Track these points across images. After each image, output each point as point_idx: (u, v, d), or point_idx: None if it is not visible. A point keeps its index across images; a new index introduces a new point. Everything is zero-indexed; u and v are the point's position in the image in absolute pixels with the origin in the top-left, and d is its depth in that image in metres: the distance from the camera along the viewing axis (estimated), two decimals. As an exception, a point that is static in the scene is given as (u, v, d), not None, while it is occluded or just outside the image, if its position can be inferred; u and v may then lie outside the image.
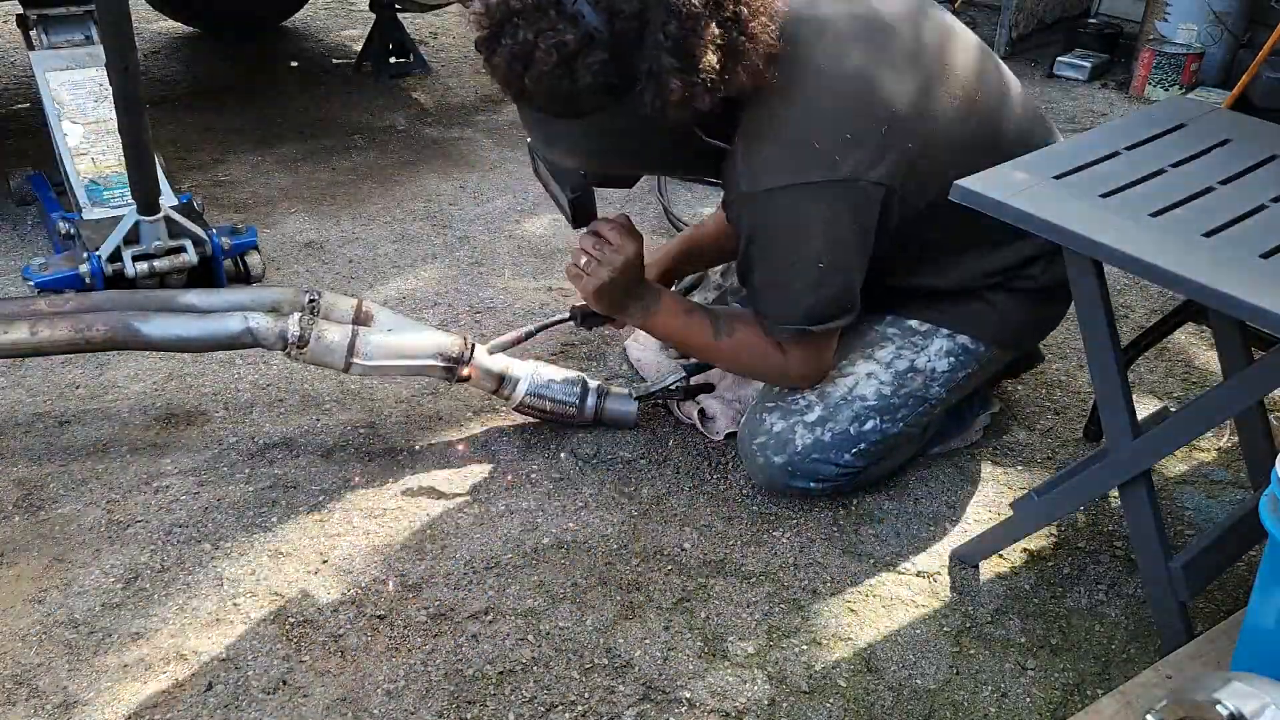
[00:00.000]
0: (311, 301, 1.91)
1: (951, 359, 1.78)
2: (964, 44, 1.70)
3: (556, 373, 1.98)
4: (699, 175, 1.70)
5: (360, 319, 1.93)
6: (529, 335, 1.95)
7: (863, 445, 1.76)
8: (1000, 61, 1.78)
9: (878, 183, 1.55)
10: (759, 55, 1.47)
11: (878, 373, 1.76)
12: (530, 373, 1.95)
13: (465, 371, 1.89)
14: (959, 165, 1.54)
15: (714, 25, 1.41)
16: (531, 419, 2.00)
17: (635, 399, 1.99)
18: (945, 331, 1.78)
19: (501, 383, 1.94)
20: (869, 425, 1.76)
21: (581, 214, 1.73)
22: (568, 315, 1.94)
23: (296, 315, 1.82)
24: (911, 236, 1.66)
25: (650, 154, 1.62)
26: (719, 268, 2.20)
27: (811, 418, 1.76)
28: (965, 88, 1.65)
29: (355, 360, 1.83)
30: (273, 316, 1.84)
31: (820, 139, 1.52)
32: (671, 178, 1.72)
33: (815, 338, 1.68)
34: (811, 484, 1.78)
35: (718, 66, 1.42)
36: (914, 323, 1.79)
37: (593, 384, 1.99)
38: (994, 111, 1.69)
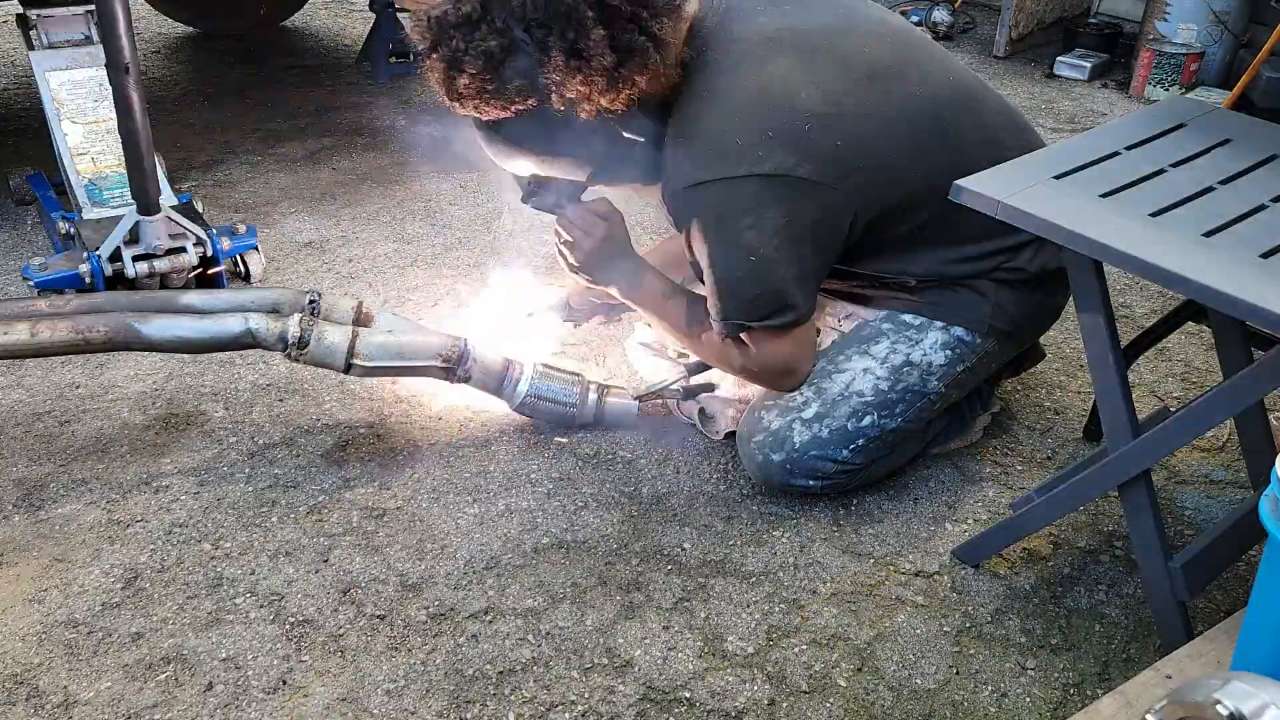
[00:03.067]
0: (312, 303, 1.91)
1: (948, 351, 1.78)
2: (915, 50, 1.76)
3: (557, 373, 1.98)
4: (639, 181, 1.78)
5: (360, 320, 1.93)
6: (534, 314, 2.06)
7: (861, 441, 1.77)
8: (964, 69, 1.82)
9: (807, 179, 1.59)
10: (662, 57, 1.58)
11: (874, 368, 1.77)
12: (530, 373, 1.95)
13: (465, 372, 1.89)
14: (914, 165, 1.63)
15: (604, 29, 1.53)
16: (531, 419, 2.00)
17: (635, 399, 1.99)
18: (940, 324, 1.78)
19: (501, 384, 1.94)
20: (866, 421, 1.76)
21: (544, 196, 1.83)
22: (556, 303, 2.07)
23: (297, 316, 1.82)
24: (885, 231, 1.70)
25: (582, 156, 1.71)
26: None
27: (809, 414, 1.77)
28: (912, 91, 1.69)
29: (355, 361, 1.83)
30: (273, 318, 1.84)
31: (742, 136, 1.59)
32: (617, 185, 1.78)
33: (762, 335, 1.71)
34: (811, 481, 1.79)
35: (611, 66, 1.54)
36: (908, 316, 1.79)
37: (593, 384, 1.99)
38: (952, 116, 1.71)
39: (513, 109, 1.60)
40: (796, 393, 1.79)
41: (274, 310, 1.90)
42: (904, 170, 1.66)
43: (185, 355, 2.18)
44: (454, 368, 1.89)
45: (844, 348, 1.80)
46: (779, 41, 1.64)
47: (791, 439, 1.76)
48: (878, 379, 1.77)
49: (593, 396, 1.97)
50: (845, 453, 1.77)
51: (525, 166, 1.74)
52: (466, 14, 1.55)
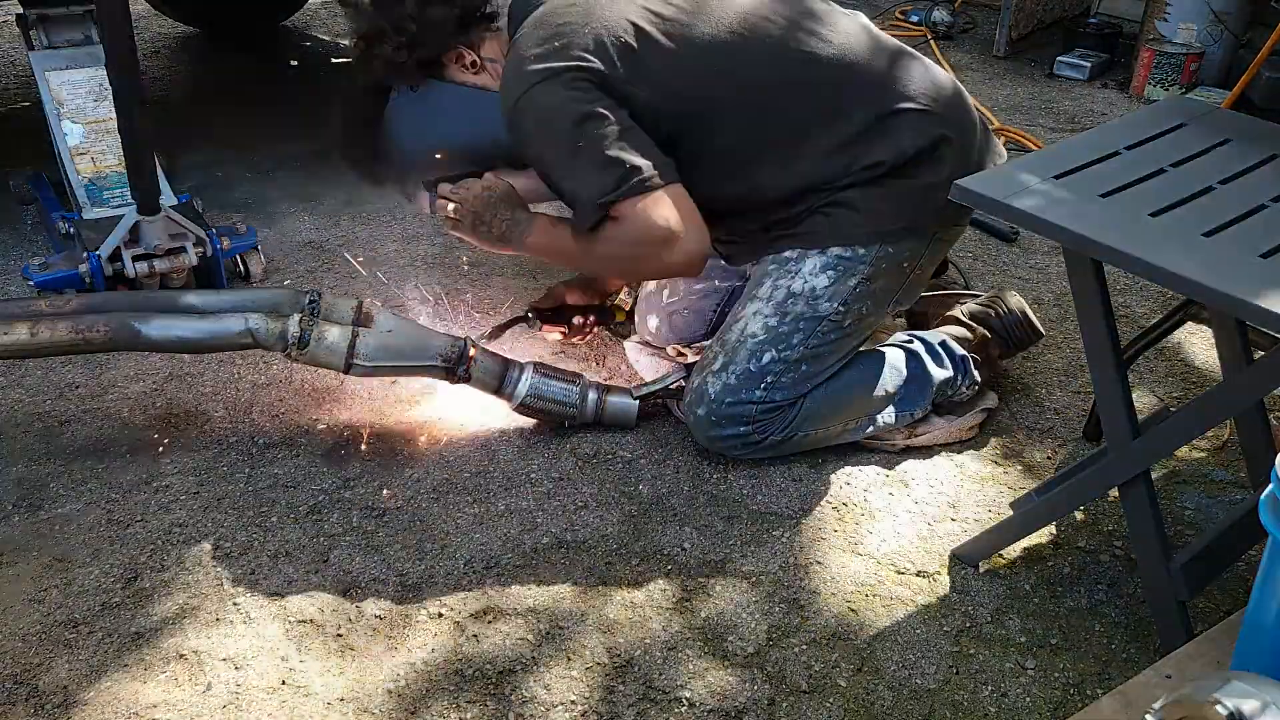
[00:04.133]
0: (311, 303, 1.91)
1: (830, 273, 1.83)
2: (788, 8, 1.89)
3: (556, 373, 1.98)
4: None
5: (360, 320, 1.93)
6: (501, 330, 2.11)
7: (769, 379, 1.83)
8: (856, 33, 1.92)
9: (590, 68, 1.75)
10: (496, 27, 1.93)
11: (761, 309, 1.85)
12: (530, 373, 1.95)
13: (465, 372, 1.89)
14: (715, 67, 1.81)
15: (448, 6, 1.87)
16: (532, 419, 2.00)
17: (635, 398, 1.99)
18: (815, 251, 1.83)
19: (502, 383, 1.94)
20: (766, 358, 1.83)
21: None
22: (525, 314, 2.12)
23: (296, 316, 1.82)
24: (704, 141, 1.83)
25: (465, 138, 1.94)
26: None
27: (716, 366, 1.85)
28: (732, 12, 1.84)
29: (355, 361, 1.83)
30: (273, 318, 1.84)
31: (533, 50, 1.78)
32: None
33: (627, 209, 1.76)
34: (741, 428, 1.85)
35: (462, 41, 1.92)
36: (788, 253, 1.86)
37: (593, 384, 1.99)
38: (780, 38, 1.84)
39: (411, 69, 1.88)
40: (708, 350, 1.89)
41: (274, 310, 1.90)
42: (701, 76, 1.81)
43: (186, 355, 2.18)
44: (454, 368, 1.89)
45: (741, 300, 1.90)
46: None
47: (707, 391, 1.85)
48: (765, 317, 1.84)
49: (592, 396, 1.97)
50: (758, 392, 1.83)
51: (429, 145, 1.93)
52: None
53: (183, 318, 1.87)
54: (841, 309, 1.84)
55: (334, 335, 1.83)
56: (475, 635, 1.57)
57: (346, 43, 4.08)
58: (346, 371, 1.85)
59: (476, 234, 1.92)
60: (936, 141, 1.81)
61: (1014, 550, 1.75)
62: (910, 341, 1.99)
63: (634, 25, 1.79)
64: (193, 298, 1.97)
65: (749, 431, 1.85)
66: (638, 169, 1.74)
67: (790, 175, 1.83)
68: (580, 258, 1.94)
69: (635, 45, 1.78)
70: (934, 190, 1.78)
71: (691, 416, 1.88)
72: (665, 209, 1.76)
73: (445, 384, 1.97)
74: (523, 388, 1.94)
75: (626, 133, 1.75)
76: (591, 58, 1.76)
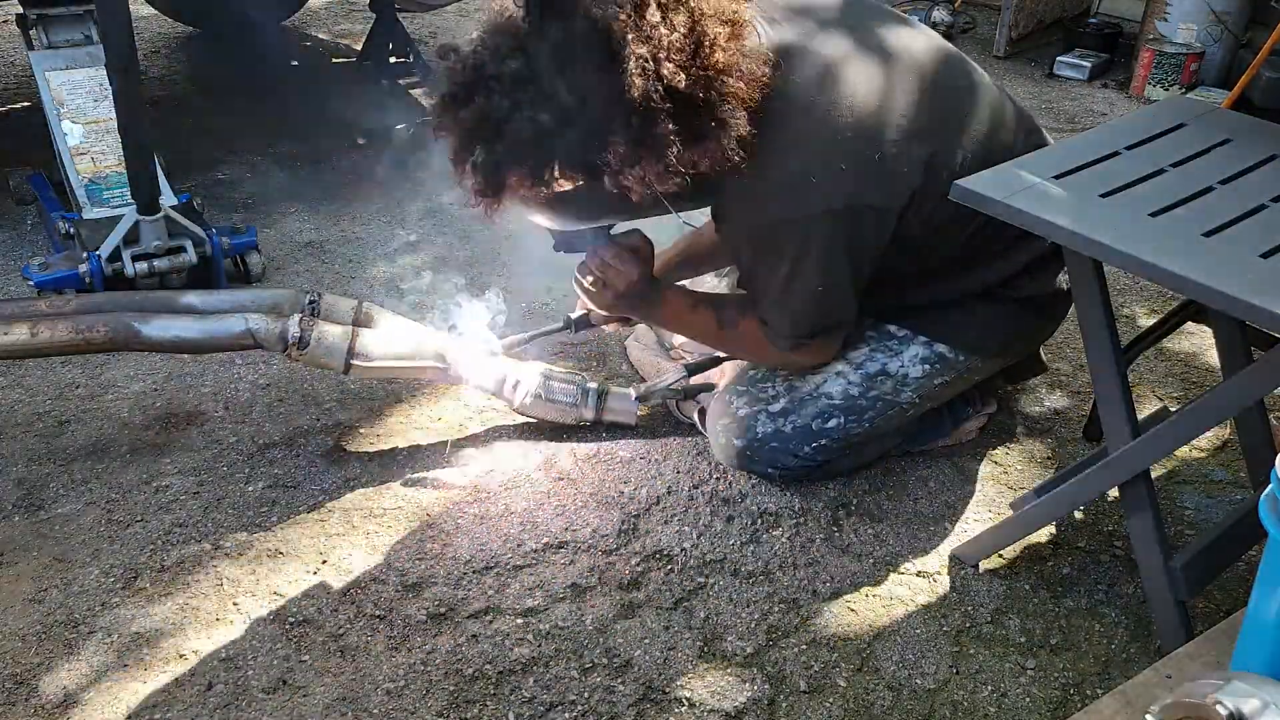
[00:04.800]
0: (311, 303, 1.91)
1: (926, 366, 1.78)
2: (979, 86, 1.71)
3: (557, 374, 1.98)
4: (673, 216, 1.78)
5: (360, 320, 1.93)
6: (528, 340, 1.99)
7: (823, 441, 1.79)
8: (1012, 100, 1.78)
9: (872, 206, 1.57)
10: (727, 141, 1.46)
11: (847, 372, 1.78)
12: (531, 374, 1.95)
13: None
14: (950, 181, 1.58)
15: (674, 122, 1.39)
16: (532, 420, 2.00)
17: (636, 399, 1.99)
18: (923, 339, 1.78)
19: (502, 384, 1.94)
20: (832, 423, 1.78)
21: (564, 240, 1.74)
22: (562, 325, 1.98)
23: (296, 317, 1.82)
24: (909, 259, 1.69)
25: (617, 211, 1.62)
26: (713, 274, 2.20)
27: (776, 408, 1.79)
28: (976, 128, 1.65)
29: (355, 362, 1.83)
30: (273, 318, 1.84)
31: (817, 172, 1.53)
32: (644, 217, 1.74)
33: (814, 344, 1.72)
34: (770, 469, 1.82)
35: (676, 157, 1.41)
36: (892, 327, 1.79)
37: (593, 385, 1.99)
38: (990, 134, 1.68)
39: (550, 188, 1.46)
40: (768, 384, 1.81)
41: (274, 310, 1.90)
42: (941, 196, 1.59)
43: (185, 355, 2.18)
44: (454, 367, 1.89)
45: None
46: (836, 65, 1.56)
47: (755, 429, 1.79)
48: (849, 384, 1.78)
49: (593, 396, 1.97)
50: (807, 449, 1.79)
51: (551, 223, 1.65)
52: (514, 71, 1.38)
53: (183, 318, 1.86)
54: (917, 401, 1.81)
55: (334, 335, 1.83)
56: (475, 635, 1.57)
57: (346, 42, 4.09)
58: (346, 372, 1.85)
59: (605, 309, 1.82)
60: (1067, 292, 1.74)
61: (1014, 550, 1.75)
62: None
63: (905, 138, 1.56)
64: (193, 298, 1.97)
65: (775, 474, 1.84)
66: (844, 325, 1.70)
67: (968, 280, 1.75)
68: (717, 345, 1.88)
69: (908, 168, 1.57)
70: (1040, 331, 1.88)
71: (723, 439, 1.82)
72: (828, 350, 1.75)
73: (446, 386, 1.97)
74: (523, 389, 1.94)
75: (859, 282, 1.64)
76: (873, 194, 1.55)
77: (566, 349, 2.25)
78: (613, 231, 1.74)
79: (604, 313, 1.85)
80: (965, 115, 1.66)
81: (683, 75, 1.39)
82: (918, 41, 1.68)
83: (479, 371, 1.91)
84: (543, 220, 1.63)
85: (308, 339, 1.81)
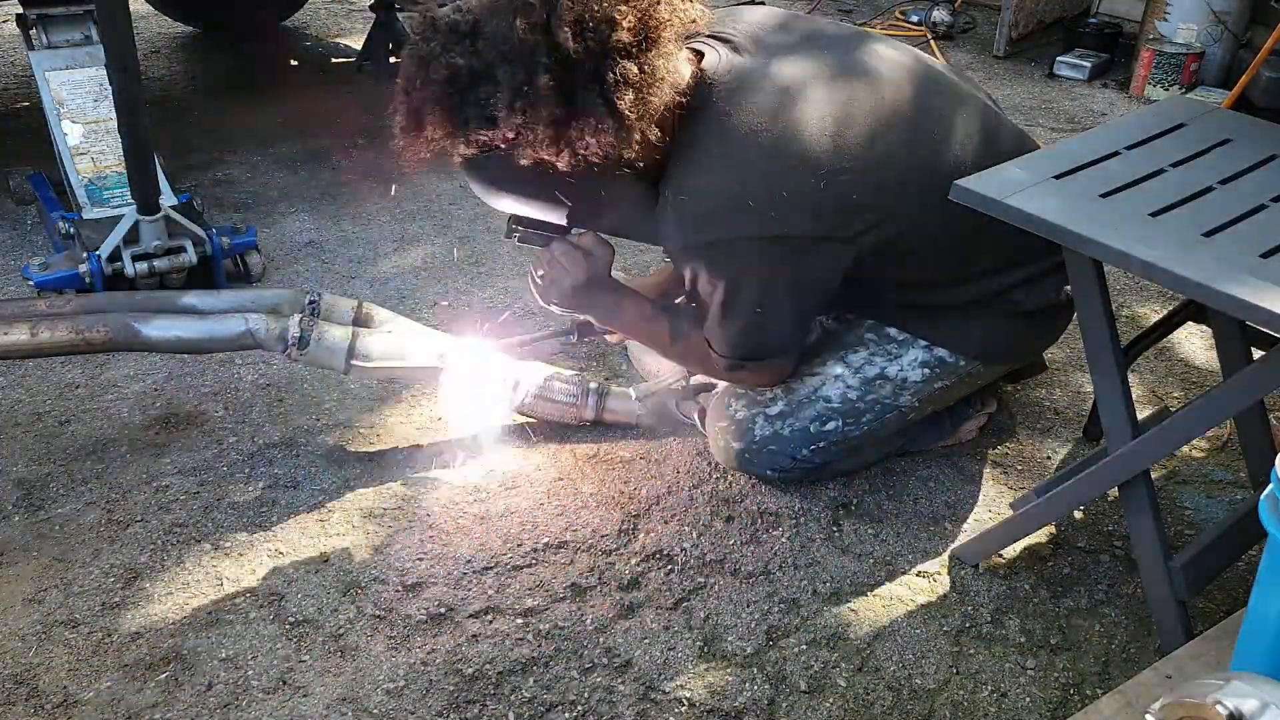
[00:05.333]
0: (312, 303, 1.92)
1: (926, 370, 1.78)
2: (963, 106, 1.71)
3: (558, 374, 1.98)
4: (624, 234, 1.84)
5: (360, 320, 1.93)
6: (530, 342, 2.00)
7: (821, 444, 1.79)
8: (979, 105, 1.76)
9: (818, 237, 1.57)
10: (621, 132, 1.49)
11: (845, 376, 1.78)
12: (531, 374, 1.95)
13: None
14: (924, 211, 1.60)
15: (553, 79, 1.45)
16: (532, 419, 2.00)
17: (636, 399, 1.99)
18: (923, 343, 1.77)
19: (502, 384, 1.93)
20: (830, 426, 1.78)
21: (528, 231, 1.77)
22: (566, 329, 1.99)
23: (296, 317, 1.82)
24: (887, 274, 1.69)
25: (560, 203, 1.65)
26: None
27: (773, 411, 1.79)
28: (928, 138, 1.64)
29: (355, 362, 1.83)
30: (273, 318, 1.84)
31: (755, 197, 1.54)
32: (596, 229, 1.77)
33: (754, 367, 1.73)
34: (769, 471, 1.83)
35: (556, 118, 1.47)
36: (892, 330, 1.79)
37: (593, 384, 1.99)
38: (967, 162, 1.66)
39: (462, 136, 1.54)
40: (767, 387, 1.81)
41: (274, 311, 1.91)
42: (918, 216, 1.62)
43: (186, 355, 2.18)
44: (455, 367, 1.89)
45: (820, 350, 1.81)
46: (791, 91, 1.58)
47: (753, 431, 1.80)
48: (847, 387, 1.78)
49: (593, 396, 1.97)
50: (805, 452, 1.79)
51: (500, 203, 1.70)
52: (454, 23, 1.51)
53: (183, 318, 1.87)
54: (916, 405, 1.80)
55: (334, 336, 1.83)
56: (475, 635, 1.57)
57: (346, 42, 4.09)
58: (346, 373, 1.85)
59: (551, 304, 1.80)
60: (1068, 304, 1.72)
61: (1014, 550, 1.75)
62: None
63: (856, 167, 1.57)
64: (192, 298, 1.97)
65: (774, 476, 1.84)
66: (787, 351, 1.71)
67: (955, 299, 1.75)
68: (670, 355, 1.87)
69: (858, 195, 1.57)
70: (1042, 338, 1.88)
71: (721, 442, 1.83)
72: (772, 374, 1.76)
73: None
74: (524, 389, 1.94)
75: (805, 309, 1.67)
76: (819, 223, 1.56)
77: (567, 349, 2.25)
78: (572, 231, 1.75)
79: (556, 309, 1.83)
80: (940, 139, 1.65)
81: (572, 40, 1.45)
82: (893, 69, 1.68)
83: (479, 371, 1.91)
84: (488, 197, 1.69)
85: (308, 339, 1.81)
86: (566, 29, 1.45)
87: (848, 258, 1.61)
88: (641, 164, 1.57)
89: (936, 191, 1.55)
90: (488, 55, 1.48)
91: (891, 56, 1.70)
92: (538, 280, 1.78)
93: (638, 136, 1.51)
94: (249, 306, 1.92)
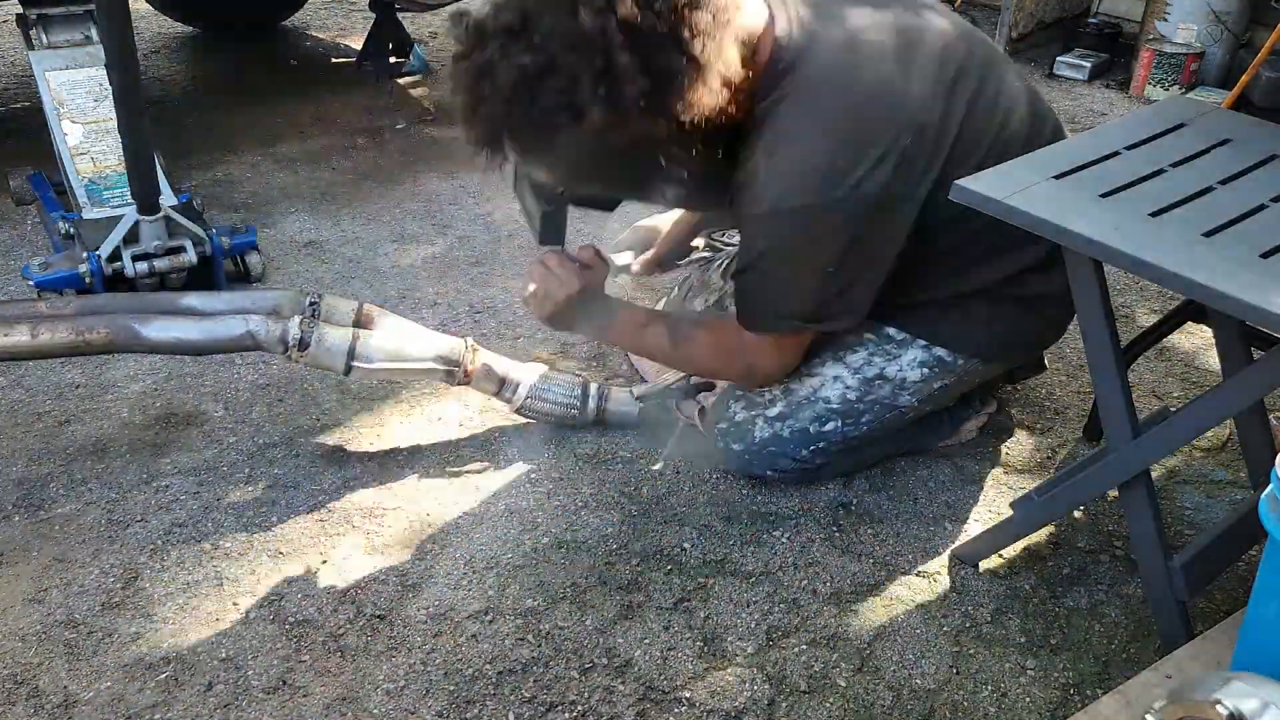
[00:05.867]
0: (312, 304, 1.91)
1: (925, 369, 1.77)
2: (1005, 71, 1.70)
3: (557, 375, 1.98)
4: (685, 204, 1.74)
5: (361, 322, 1.93)
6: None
7: (821, 444, 1.79)
8: (1038, 95, 1.76)
9: (900, 195, 1.55)
10: (704, 81, 1.45)
11: (844, 376, 1.78)
12: (530, 375, 1.95)
13: (466, 374, 1.89)
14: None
15: (633, 54, 1.40)
16: (532, 420, 2.00)
17: (636, 398, 1.99)
18: (922, 342, 1.77)
19: (502, 386, 1.94)
20: (829, 426, 1.78)
21: (550, 229, 1.73)
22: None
23: (297, 319, 1.82)
24: (927, 244, 1.66)
25: (620, 175, 1.61)
26: (719, 267, 2.19)
27: (773, 412, 1.79)
28: (998, 111, 1.64)
29: (356, 364, 1.83)
30: (273, 320, 1.83)
31: (839, 157, 1.51)
32: (652, 204, 1.72)
33: (798, 335, 1.70)
34: (770, 472, 1.83)
35: (645, 91, 1.42)
36: (891, 330, 1.78)
37: (593, 386, 1.99)
38: (1026, 137, 1.67)
39: (539, 134, 1.49)
40: (765, 389, 1.80)
41: (274, 312, 1.90)
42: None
43: (186, 355, 2.18)
44: (455, 369, 1.89)
45: (818, 350, 1.79)
46: (866, 49, 1.56)
47: (753, 433, 1.79)
48: (847, 388, 1.77)
49: (593, 399, 1.97)
50: (804, 453, 1.79)
51: (554, 179, 1.65)
52: (506, 24, 1.44)
53: (183, 319, 1.86)
54: (915, 404, 1.80)
55: (334, 337, 1.83)
56: (475, 635, 1.57)
57: (346, 42, 4.09)
58: (346, 374, 1.84)
59: (540, 320, 1.81)
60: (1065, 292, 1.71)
61: (1014, 550, 1.75)
62: None
63: (933, 123, 1.56)
64: (193, 299, 1.96)
65: (774, 476, 1.84)
66: (851, 313, 1.65)
67: (961, 287, 1.73)
68: (668, 361, 1.86)
69: (933, 151, 1.56)
70: (1043, 332, 1.85)
71: (721, 443, 1.83)
72: (798, 354, 1.74)
73: (446, 386, 1.97)
74: (523, 390, 1.94)
75: (879, 268, 1.62)
76: (902, 181, 1.54)
77: (566, 348, 2.25)
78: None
79: (547, 324, 1.82)
80: (1003, 108, 1.65)
81: (638, 10, 1.40)
82: (945, 26, 1.66)
83: (479, 373, 1.91)
84: (554, 181, 1.63)
85: (308, 341, 1.81)
86: (631, 4, 1.40)
87: (909, 224, 1.59)
88: (725, 119, 1.52)
89: (995, 158, 1.56)
90: (552, 48, 1.42)
91: (948, 22, 1.69)
92: (530, 294, 1.78)
93: (719, 84, 1.46)
94: (249, 308, 1.91)
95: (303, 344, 1.81)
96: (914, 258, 1.67)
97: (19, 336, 1.81)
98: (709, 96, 1.46)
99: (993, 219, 1.57)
